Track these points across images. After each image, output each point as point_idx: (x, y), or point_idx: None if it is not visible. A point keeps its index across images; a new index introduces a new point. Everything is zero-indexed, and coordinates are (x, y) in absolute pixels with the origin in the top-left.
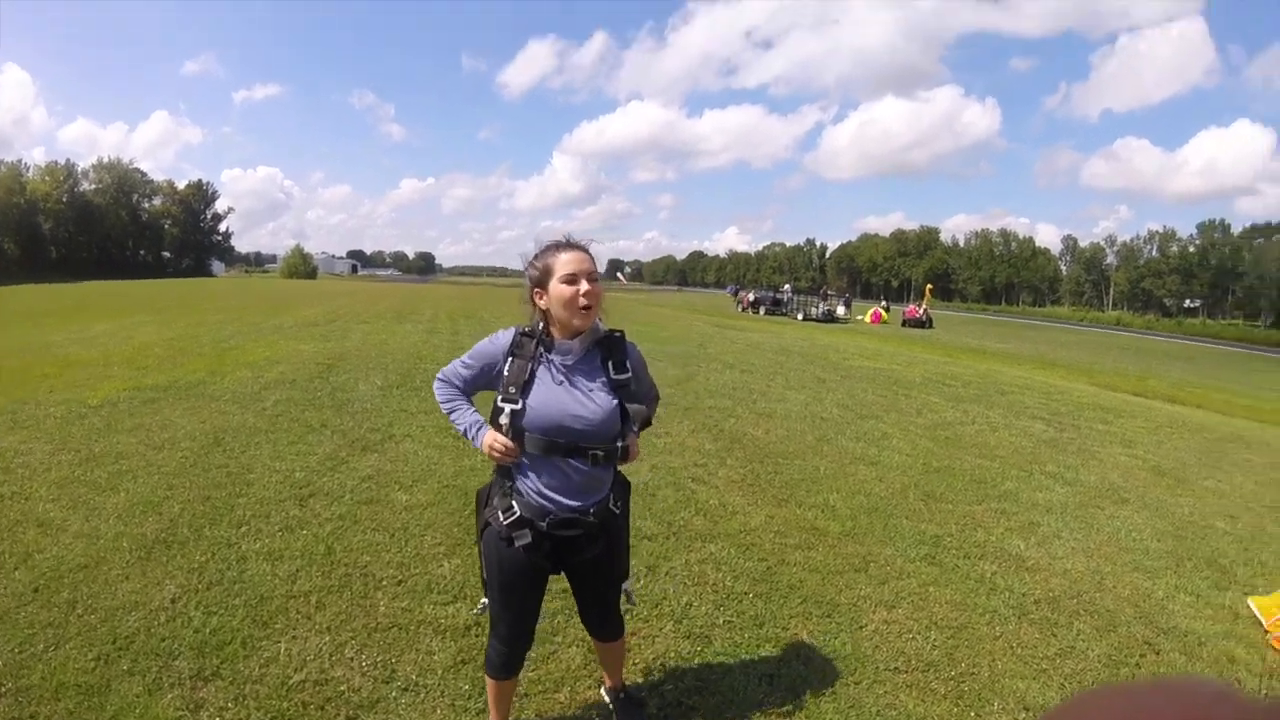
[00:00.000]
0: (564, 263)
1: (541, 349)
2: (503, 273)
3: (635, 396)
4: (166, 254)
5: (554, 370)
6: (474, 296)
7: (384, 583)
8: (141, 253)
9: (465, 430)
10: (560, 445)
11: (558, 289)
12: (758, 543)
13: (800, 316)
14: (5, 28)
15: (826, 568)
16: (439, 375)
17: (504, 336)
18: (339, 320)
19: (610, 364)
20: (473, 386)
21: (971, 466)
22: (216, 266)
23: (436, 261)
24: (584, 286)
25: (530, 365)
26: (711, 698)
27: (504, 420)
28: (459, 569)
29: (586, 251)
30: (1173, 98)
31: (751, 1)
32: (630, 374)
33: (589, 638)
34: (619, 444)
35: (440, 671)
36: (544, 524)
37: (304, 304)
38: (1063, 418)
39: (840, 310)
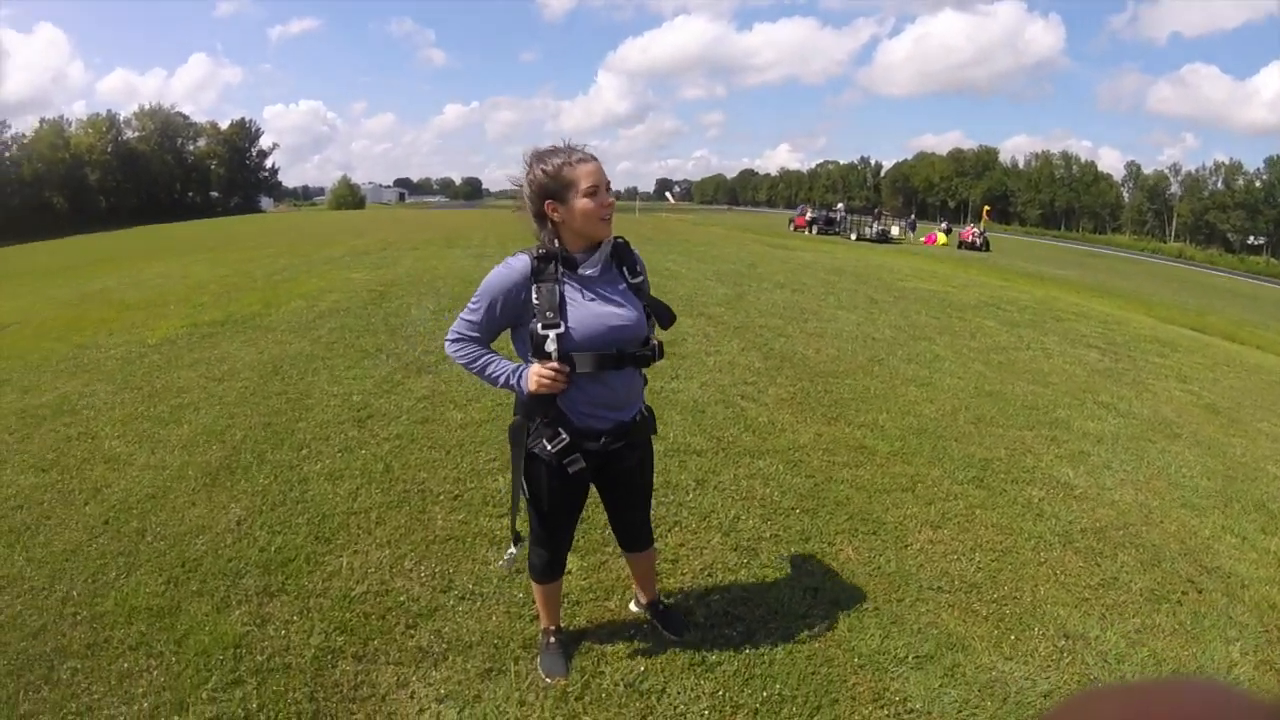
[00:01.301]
0: (587, 173)
1: (562, 267)
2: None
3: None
4: (215, 194)
5: (580, 286)
6: (523, 219)
7: (440, 497)
8: (190, 195)
9: (505, 380)
10: (610, 357)
11: (582, 203)
12: (805, 460)
13: (854, 236)
14: None
15: (873, 486)
16: (449, 336)
17: (518, 263)
18: (389, 248)
19: (624, 269)
20: (492, 330)
21: (1024, 392)
22: (265, 203)
23: (483, 186)
24: (606, 198)
25: (557, 286)
26: (757, 608)
27: (550, 347)
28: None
29: (597, 160)
30: (1246, 24)
31: None
32: (643, 276)
33: None
34: (654, 344)
35: (495, 580)
36: (597, 444)
37: (353, 234)
38: (1118, 348)
39: (895, 231)
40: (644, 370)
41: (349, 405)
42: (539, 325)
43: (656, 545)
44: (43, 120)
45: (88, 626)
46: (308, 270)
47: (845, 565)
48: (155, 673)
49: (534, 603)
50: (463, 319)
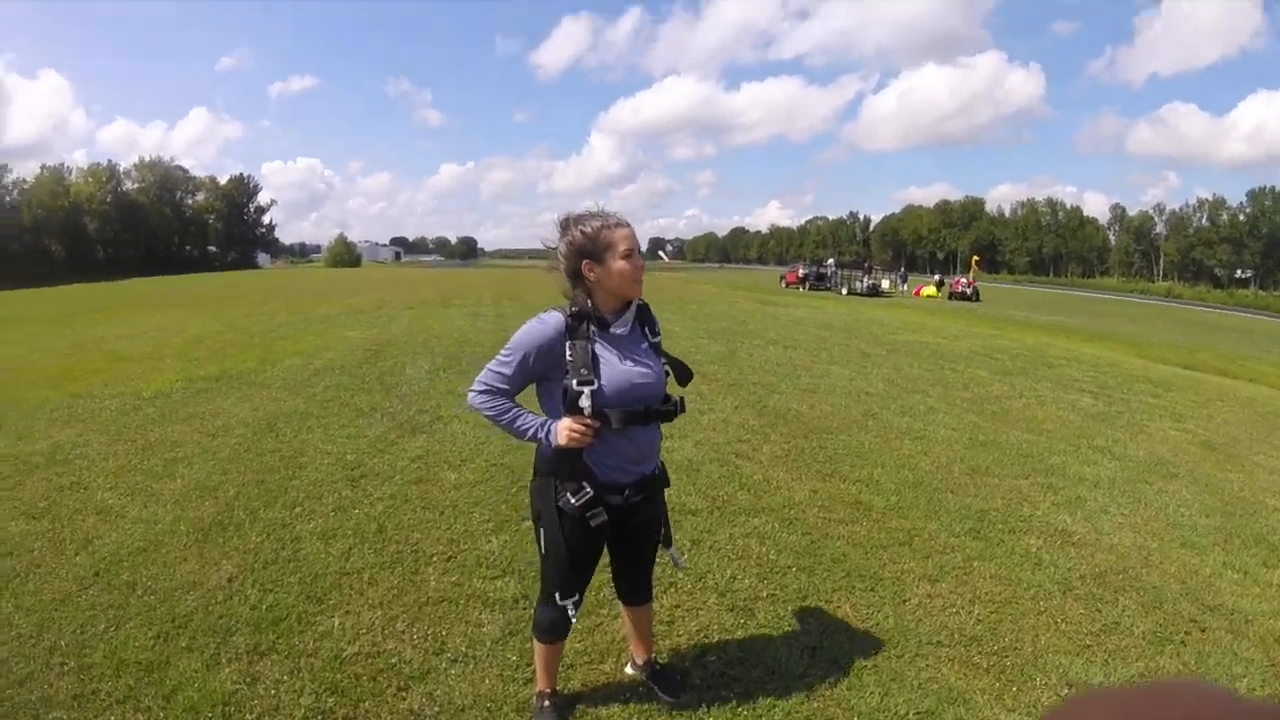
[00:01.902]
0: (623, 238)
1: (593, 326)
2: (543, 254)
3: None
4: (212, 248)
5: (610, 345)
6: (517, 279)
7: (434, 558)
8: (187, 248)
9: (533, 433)
10: (637, 414)
11: (619, 264)
12: (801, 517)
13: (845, 291)
14: (42, 34)
15: (870, 542)
16: (475, 388)
17: (553, 319)
18: (385, 307)
19: (646, 329)
20: (520, 383)
21: (1018, 440)
22: (262, 258)
23: (479, 246)
24: (640, 261)
25: (589, 344)
26: (754, 669)
27: (585, 403)
28: (507, 544)
29: (631, 226)
30: (1220, 61)
31: None
32: (659, 337)
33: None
34: (674, 400)
35: (489, 643)
36: (620, 498)
37: (350, 292)
38: (1111, 391)
39: (885, 284)
40: (662, 425)
41: (343, 464)
42: (574, 381)
43: (653, 606)
44: (44, 167)
45: (75, 677)
46: (304, 327)
47: (843, 623)
48: None
49: (528, 665)
50: (492, 370)
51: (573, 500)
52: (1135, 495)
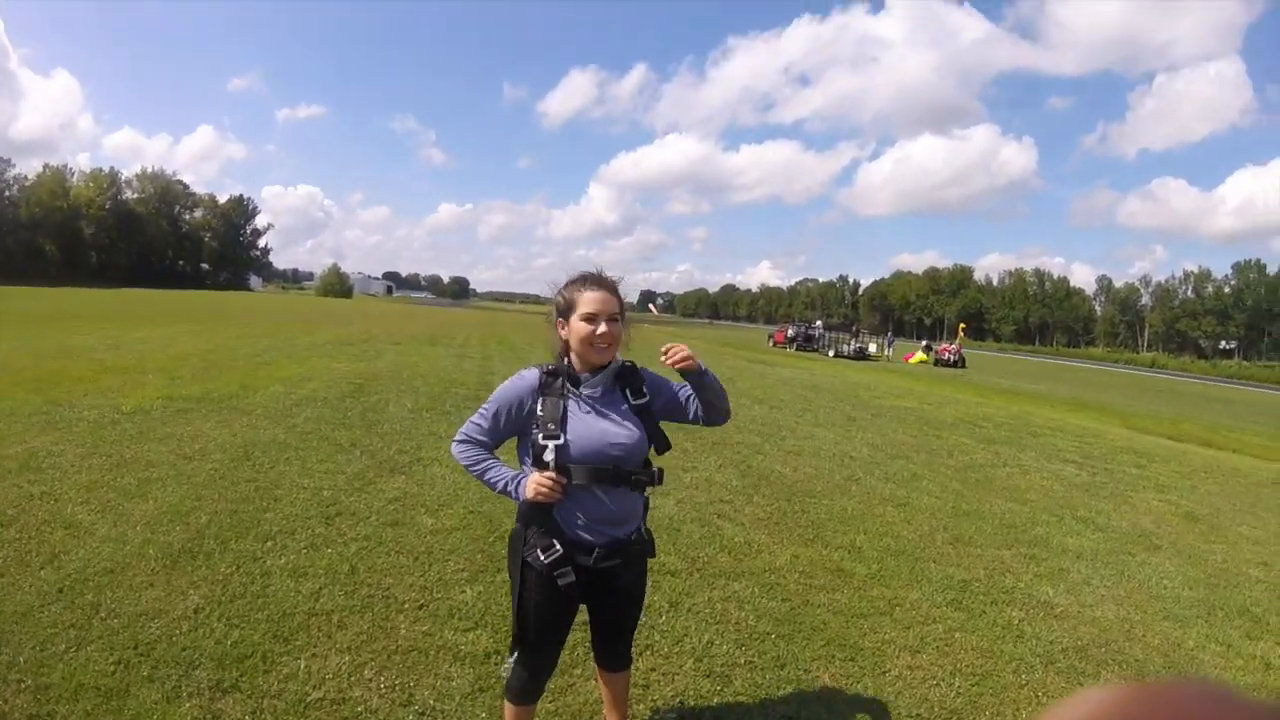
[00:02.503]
0: (586, 300)
1: (568, 384)
2: (536, 300)
3: (666, 405)
4: (205, 266)
5: (583, 404)
6: (506, 322)
7: (406, 606)
8: (181, 263)
9: (504, 487)
10: (606, 473)
11: (578, 325)
12: (782, 582)
13: (832, 353)
14: (59, 33)
15: (851, 610)
16: (457, 438)
17: (530, 375)
18: (372, 340)
19: (628, 392)
20: (499, 436)
21: (1002, 510)
22: (254, 281)
23: (470, 286)
24: (601, 328)
25: (561, 400)
26: None
27: (549, 457)
28: (480, 595)
29: (613, 292)
30: (1210, 137)
31: (791, 38)
32: (648, 397)
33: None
34: (653, 468)
35: (458, 698)
36: (590, 559)
37: (339, 323)
38: (1095, 461)
39: (872, 348)
40: (645, 492)
41: (318, 500)
42: (540, 435)
43: (630, 673)
44: (46, 166)
45: (31, 696)
46: (290, 355)
47: (822, 693)
48: None
49: None
50: (472, 422)
51: (541, 557)
52: (1118, 567)
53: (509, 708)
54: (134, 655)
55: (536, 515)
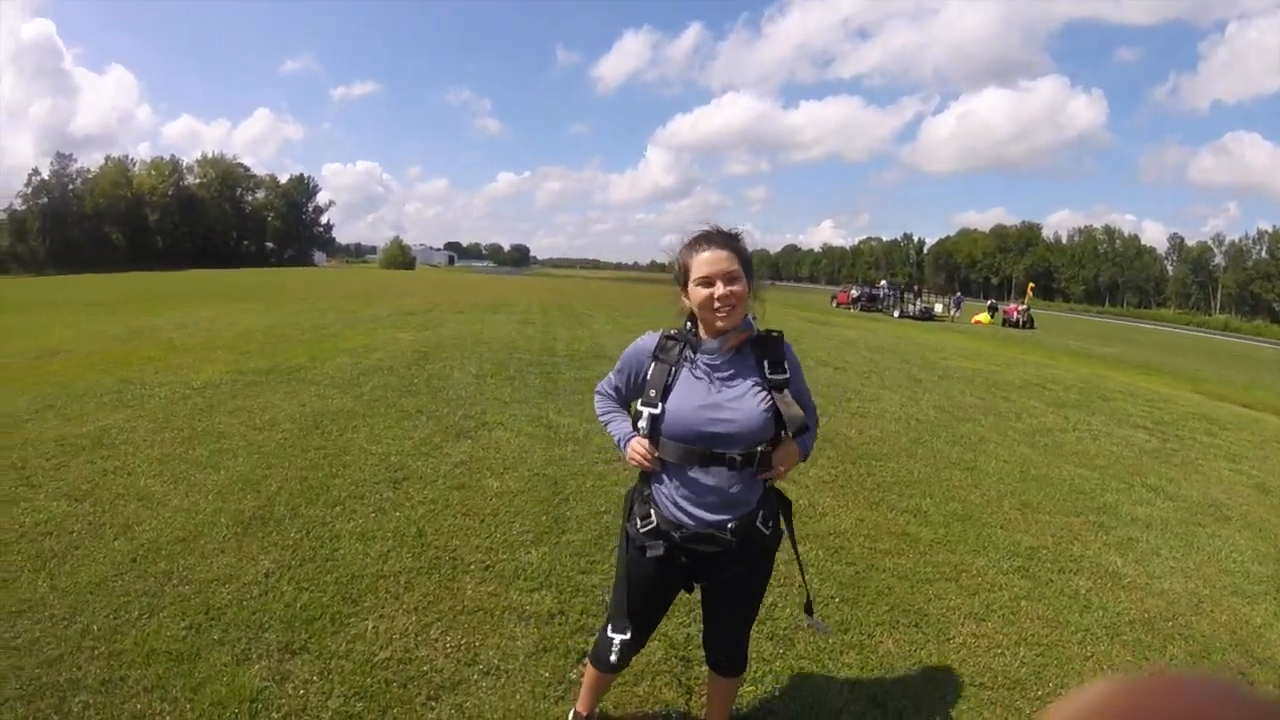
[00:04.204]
0: (700, 263)
1: (688, 350)
2: (595, 264)
3: (796, 400)
4: (269, 245)
5: (700, 372)
6: (566, 289)
7: (472, 567)
8: (245, 243)
9: (617, 440)
10: (697, 453)
11: (695, 291)
12: (847, 546)
13: (896, 314)
14: (112, 30)
15: (916, 575)
16: (596, 389)
17: (649, 340)
18: (435, 310)
19: (766, 363)
20: (626, 395)
21: (1070, 476)
22: (318, 257)
23: (531, 254)
24: (719, 290)
25: (673, 368)
26: (792, 702)
27: (642, 424)
28: (545, 556)
29: (731, 248)
30: None
31: None
32: (788, 374)
33: (670, 639)
34: (759, 449)
35: (522, 657)
36: (678, 536)
37: (402, 293)
38: (1166, 427)
39: (938, 308)
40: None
41: (386, 465)
42: (639, 401)
43: (690, 631)
44: (108, 158)
45: (105, 662)
46: (354, 327)
47: (885, 659)
48: (168, 718)
49: (560, 683)
50: (608, 377)
51: (639, 525)
52: (1188, 538)
53: (589, 670)
54: (205, 620)
55: (643, 481)
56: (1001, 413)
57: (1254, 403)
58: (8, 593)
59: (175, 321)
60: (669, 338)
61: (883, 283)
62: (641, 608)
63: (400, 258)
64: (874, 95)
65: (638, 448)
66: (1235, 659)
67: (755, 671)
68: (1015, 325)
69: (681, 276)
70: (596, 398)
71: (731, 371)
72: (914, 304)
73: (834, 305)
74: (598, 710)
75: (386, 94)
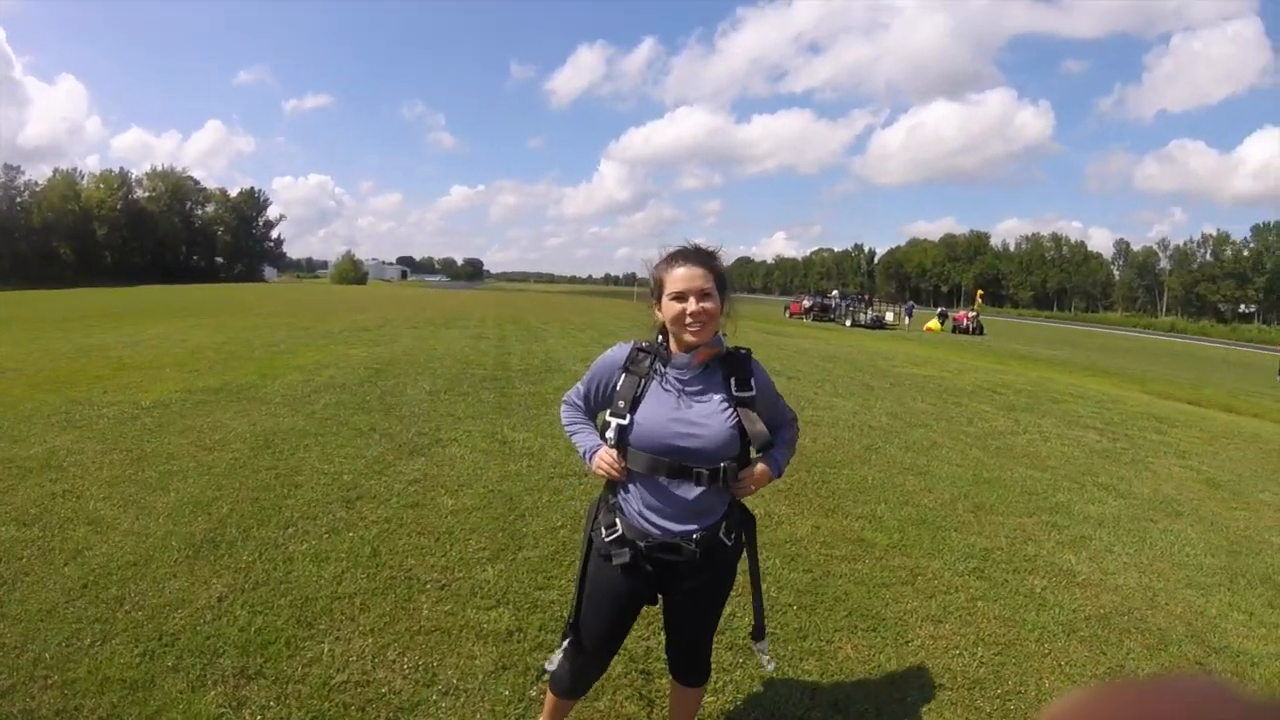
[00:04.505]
0: (674, 279)
1: (658, 363)
2: (549, 278)
3: (762, 418)
4: (219, 259)
5: (669, 385)
6: (521, 303)
7: (428, 586)
8: (195, 258)
9: (584, 452)
10: (664, 464)
11: (667, 305)
12: (803, 553)
13: (849, 323)
14: (63, 40)
15: (873, 580)
16: (564, 398)
17: (620, 351)
18: (388, 325)
19: (733, 381)
20: (593, 405)
21: (1023, 477)
22: (269, 272)
23: (485, 267)
24: (691, 306)
25: (643, 380)
26: (753, 710)
27: (610, 435)
28: (502, 574)
29: (705, 265)
30: (1228, 98)
31: (801, 7)
32: (755, 392)
33: (633, 655)
34: (723, 465)
35: (481, 676)
36: (643, 545)
37: (354, 309)
38: (1116, 427)
39: (889, 317)
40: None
41: (339, 485)
42: (608, 412)
43: (650, 645)
44: (56, 170)
45: (58, 692)
46: (306, 343)
47: (844, 664)
48: None
49: (520, 701)
50: (577, 386)
51: (604, 534)
52: (1140, 534)
53: (550, 698)
54: (158, 646)
55: (609, 490)
56: (953, 418)
57: (1201, 400)
58: None
59: (124, 339)
60: (640, 350)
61: (834, 293)
62: (605, 624)
63: (352, 272)
64: (825, 109)
65: (606, 458)
66: (1192, 650)
67: (716, 682)
68: (965, 331)
69: (656, 291)
70: (563, 407)
71: (700, 386)
72: (865, 313)
73: (787, 315)
74: None
75: (340, 107)
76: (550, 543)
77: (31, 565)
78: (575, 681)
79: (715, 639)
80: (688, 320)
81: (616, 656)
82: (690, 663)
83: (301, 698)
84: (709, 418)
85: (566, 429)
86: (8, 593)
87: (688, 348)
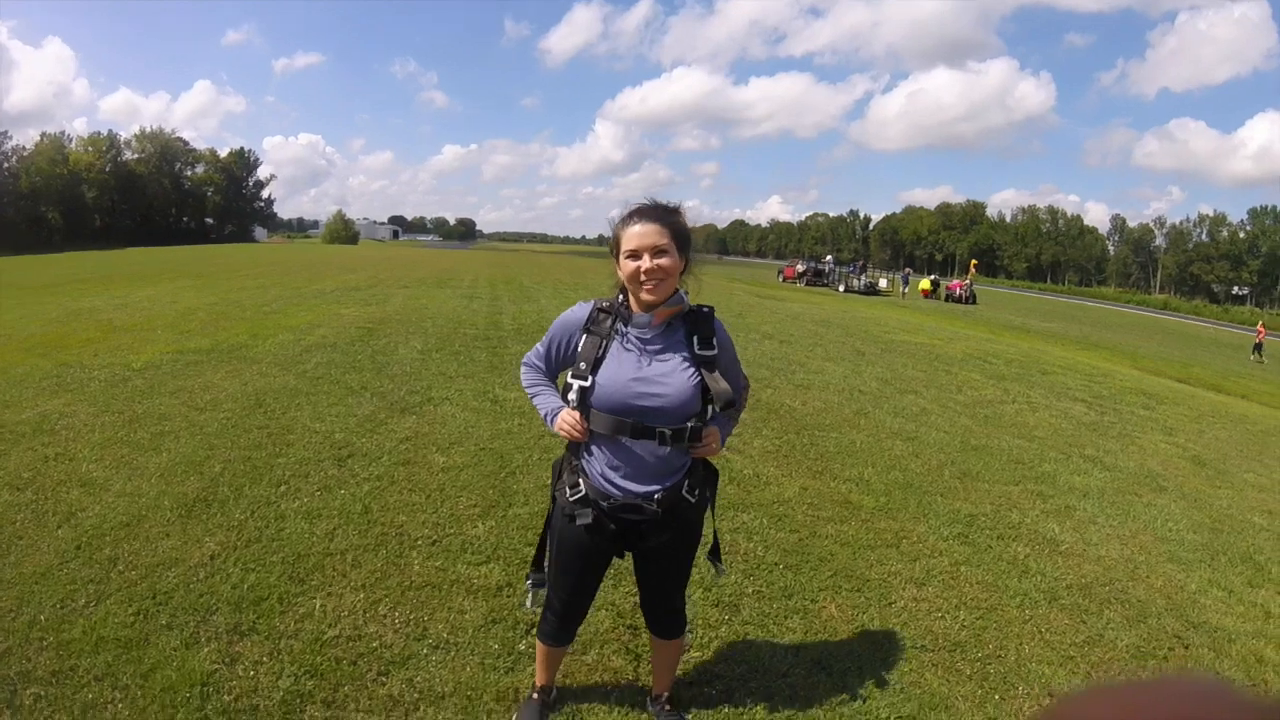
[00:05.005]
0: (630, 236)
1: (619, 323)
2: (543, 238)
3: (724, 376)
4: (210, 220)
5: (630, 345)
6: (513, 263)
7: (419, 542)
8: (185, 220)
9: (545, 415)
10: (627, 425)
11: (624, 263)
12: (790, 514)
13: (842, 288)
14: (47, 2)
15: (858, 542)
16: (524, 359)
17: (580, 310)
18: (380, 285)
19: (695, 339)
20: (554, 366)
21: (1009, 446)
22: (259, 233)
23: (477, 227)
24: (645, 263)
25: (604, 341)
26: (737, 666)
27: (572, 397)
28: (492, 530)
29: (662, 222)
30: (1231, 79)
31: None
32: (716, 350)
33: (616, 606)
34: (689, 425)
35: (471, 630)
36: (606, 505)
37: (345, 269)
38: (1104, 401)
39: (883, 284)
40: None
41: (330, 443)
42: (570, 373)
43: (636, 600)
44: (43, 134)
45: (54, 653)
46: (297, 303)
47: (828, 623)
48: (120, 705)
49: (509, 654)
50: (536, 347)
51: (568, 493)
52: (1124, 507)
53: (539, 647)
54: (152, 605)
55: (572, 451)
56: (943, 385)
57: (1190, 378)
58: None
59: (114, 302)
60: (601, 310)
61: (828, 258)
62: (575, 581)
63: (343, 232)
64: (825, 73)
65: (568, 419)
66: (1170, 623)
67: (701, 638)
68: (959, 301)
69: (614, 248)
70: (524, 369)
71: (661, 346)
72: (860, 279)
73: (781, 280)
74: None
75: (330, 66)
76: (540, 499)
77: (25, 529)
78: (558, 630)
79: (701, 595)
80: (642, 278)
81: (604, 611)
82: (664, 615)
83: (294, 653)
84: (670, 377)
85: (528, 391)
86: (2, 557)
87: (647, 306)
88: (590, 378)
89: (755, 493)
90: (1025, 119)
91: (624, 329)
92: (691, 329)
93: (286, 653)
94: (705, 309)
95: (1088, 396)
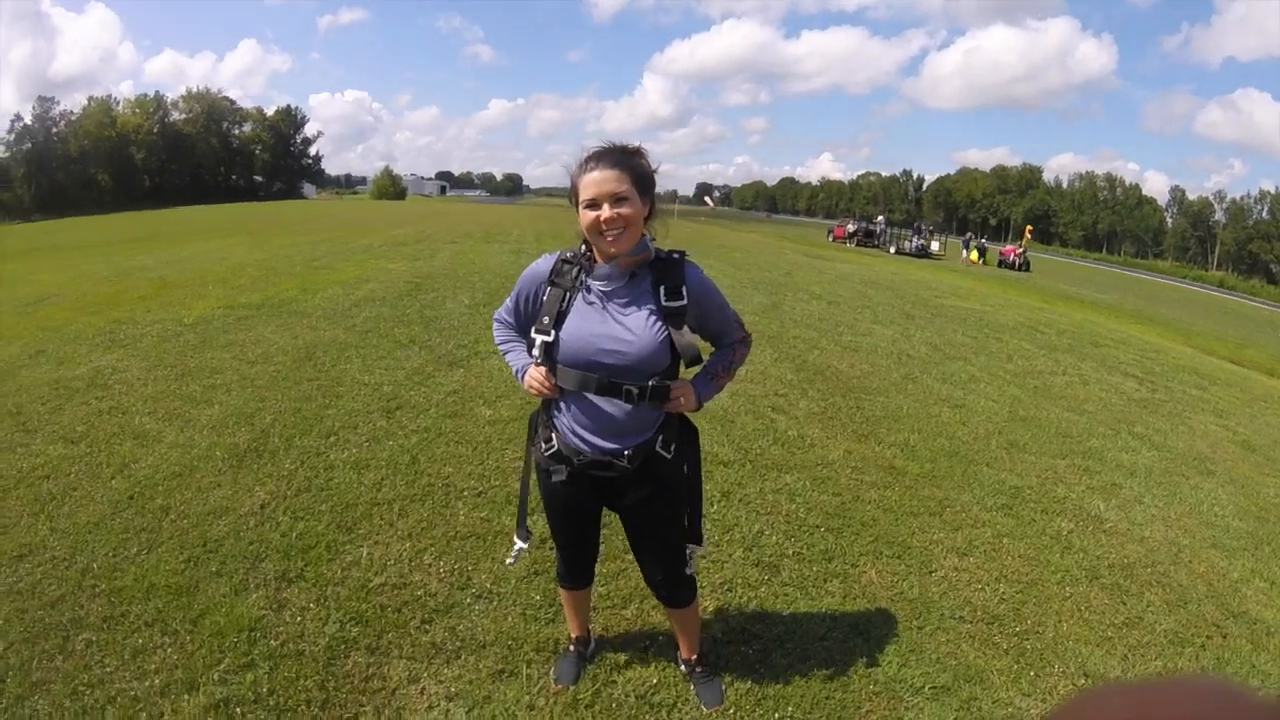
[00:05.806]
0: (587, 184)
1: (582, 275)
2: None
3: (702, 330)
4: (258, 178)
5: (594, 298)
6: (560, 217)
7: (464, 493)
8: (234, 178)
9: (515, 371)
10: (593, 381)
11: (583, 214)
12: (833, 477)
13: (893, 250)
14: None
15: (901, 508)
16: (495, 315)
17: (544, 263)
18: (427, 240)
19: (662, 289)
20: (524, 320)
21: (1058, 419)
22: (308, 189)
23: (524, 183)
24: (605, 213)
25: (568, 294)
26: (774, 626)
27: (536, 352)
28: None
29: (621, 167)
30: None
31: None
32: (685, 301)
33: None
34: (652, 382)
35: (514, 581)
36: (577, 461)
37: (393, 224)
38: (1156, 378)
39: (935, 246)
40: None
41: (379, 395)
42: (534, 328)
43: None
44: (91, 98)
45: (105, 600)
46: (346, 258)
47: (867, 588)
48: (169, 650)
49: (550, 605)
50: (506, 302)
51: (543, 448)
52: (1171, 488)
53: (562, 592)
54: (202, 553)
55: (545, 405)
56: (993, 353)
57: (1244, 360)
58: (8, 537)
59: (165, 260)
60: (564, 261)
61: (880, 218)
62: (563, 529)
63: (391, 188)
64: (879, 27)
65: (536, 375)
66: (1210, 611)
67: (739, 596)
68: (1011, 267)
69: (573, 197)
70: (495, 325)
71: (627, 298)
72: (912, 241)
73: (830, 240)
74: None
75: (375, 21)
76: None
77: (79, 480)
78: (567, 574)
79: (743, 555)
80: (603, 229)
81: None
82: (666, 582)
83: (340, 599)
84: (635, 331)
85: (500, 348)
86: (56, 507)
87: (609, 258)
88: (554, 332)
89: (799, 454)
90: (1085, 81)
91: (587, 281)
92: (659, 279)
93: (333, 599)
94: (676, 255)
95: (1139, 372)
